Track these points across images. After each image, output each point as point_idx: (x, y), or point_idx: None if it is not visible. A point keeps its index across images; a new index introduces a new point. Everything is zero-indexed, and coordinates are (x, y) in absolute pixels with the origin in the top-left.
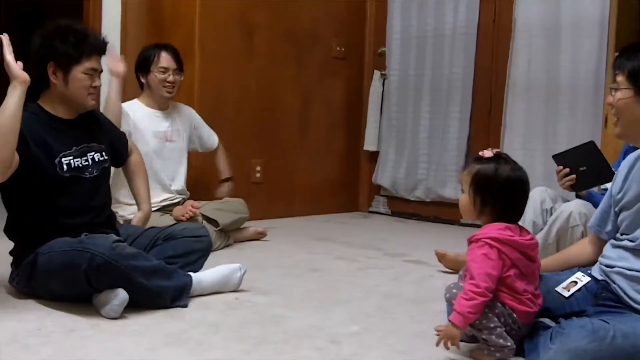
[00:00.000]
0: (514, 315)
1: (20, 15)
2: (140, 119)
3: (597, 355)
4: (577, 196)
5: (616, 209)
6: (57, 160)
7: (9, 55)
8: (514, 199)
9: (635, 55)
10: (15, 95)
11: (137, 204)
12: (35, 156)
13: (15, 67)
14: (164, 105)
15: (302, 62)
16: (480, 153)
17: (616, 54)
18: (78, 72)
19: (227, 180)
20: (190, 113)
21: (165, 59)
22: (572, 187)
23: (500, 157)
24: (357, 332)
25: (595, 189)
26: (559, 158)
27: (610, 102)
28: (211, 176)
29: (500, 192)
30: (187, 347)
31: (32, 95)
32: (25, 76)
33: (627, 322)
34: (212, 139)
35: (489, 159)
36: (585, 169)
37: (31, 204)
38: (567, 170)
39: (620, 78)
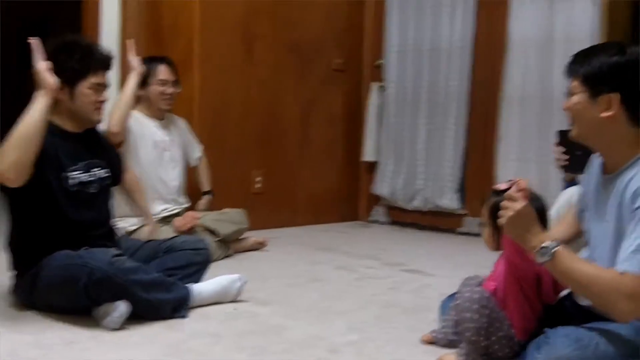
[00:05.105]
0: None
1: (22, 24)
2: (142, 128)
3: None
4: (564, 180)
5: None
6: (65, 174)
7: (40, 62)
8: None
9: (587, 61)
10: (42, 102)
11: (145, 217)
12: (45, 168)
13: (47, 74)
14: (160, 116)
15: (303, 73)
16: (496, 186)
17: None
18: (84, 88)
19: (207, 193)
20: (182, 124)
21: (163, 72)
22: (563, 168)
23: None
24: (357, 342)
25: None
26: (561, 135)
27: (567, 107)
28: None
29: None
30: (188, 357)
31: None
32: (55, 84)
33: (611, 329)
34: (194, 153)
35: (505, 191)
36: (580, 153)
37: (35, 216)
38: (562, 149)
39: (574, 83)
